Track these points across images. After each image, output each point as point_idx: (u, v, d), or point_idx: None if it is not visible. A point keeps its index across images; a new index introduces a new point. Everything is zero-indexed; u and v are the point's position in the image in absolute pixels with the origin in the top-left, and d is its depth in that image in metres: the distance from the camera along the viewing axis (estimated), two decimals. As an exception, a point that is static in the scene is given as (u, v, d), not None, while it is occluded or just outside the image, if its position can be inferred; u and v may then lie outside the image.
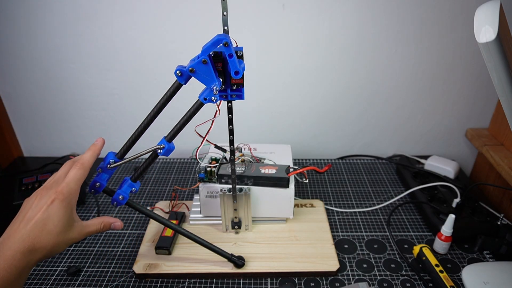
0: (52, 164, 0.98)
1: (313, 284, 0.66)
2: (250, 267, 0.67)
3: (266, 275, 0.67)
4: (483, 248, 0.72)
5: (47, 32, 0.90)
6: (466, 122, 1.03)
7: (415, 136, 1.06)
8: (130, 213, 0.83)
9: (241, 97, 0.58)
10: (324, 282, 0.66)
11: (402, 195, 0.87)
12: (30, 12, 0.88)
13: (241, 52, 0.55)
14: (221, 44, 0.50)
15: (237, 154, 0.78)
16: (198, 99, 0.53)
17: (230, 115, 0.61)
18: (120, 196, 0.57)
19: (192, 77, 0.52)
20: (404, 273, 0.68)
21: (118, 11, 0.87)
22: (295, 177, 0.77)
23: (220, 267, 0.67)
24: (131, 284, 0.66)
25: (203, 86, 0.53)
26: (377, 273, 0.68)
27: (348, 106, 1.00)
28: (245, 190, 0.71)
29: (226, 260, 0.67)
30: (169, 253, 0.70)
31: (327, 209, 0.84)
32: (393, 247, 0.74)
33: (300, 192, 0.90)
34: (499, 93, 0.47)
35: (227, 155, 0.77)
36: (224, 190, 0.71)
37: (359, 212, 0.84)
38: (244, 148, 0.82)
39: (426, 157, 0.96)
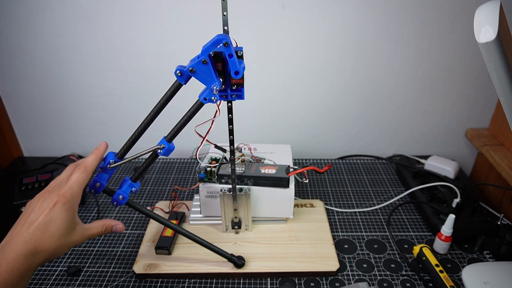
0: (52, 164, 0.98)
1: (313, 284, 0.66)
2: (250, 267, 0.67)
3: (266, 275, 0.67)
4: (483, 248, 0.72)
5: (47, 32, 0.90)
6: (466, 122, 1.03)
7: (415, 136, 1.06)
8: (130, 213, 0.83)
9: (241, 97, 0.58)
10: (324, 282, 0.66)
11: (402, 195, 0.87)
12: (30, 12, 0.88)
13: (241, 52, 0.55)
14: (221, 44, 0.50)
15: (237, 154, 0.78)
16: (198, 99, 0.53)
17: (230, 115, 0.61)
18: (120, 196, 0.57)
19: (192, 77, 0.52)
20: (404, 273, 0.68)
21: (118, 11, 0.87)
22: (295, 177, 0.77)
23: (220, 267, 0.67)
24: (131, 284, 0.66)
25: (203, 86, 0.53)
26: (377, 273, 0.68)
27: (348, 106, 1.00)
28: (245, 190, 0.71)
29: (226, 260, 0.67)
30: (169, 253, 0.70)
31: (327, 209, 0.84)
32: (393, 247, 0.74)
33: (300, 192, 0.90)
34: (499, 93, 0.47)
35: (227, 155, 0.77)
36: (224, 190, 0.71)
37: (359, 212, 0.84)
38: (244, 148, 0.82)
39: (426, 157, 0.96)
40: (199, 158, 0.74)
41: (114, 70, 0.95)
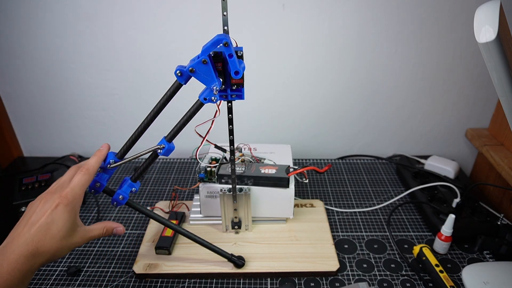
0: (52, 164, 0.98)
1: (313, 284, 0.66)
2: (250, 267, 0.67)
3: (266, 275, 0.67)
4: (483, 248, 0.72)
5: (47, 32, 0.90)
6: (466, 122, 1.03)
7: (415, 136, 1.06)
8: (130, 213, 0.83)
9: (241, 97, 0.58)
10: (324, 282, 0.66)
11: (402, 195, 0.87)
12: (30, 12, 0.88)
13: (241, 52, 0.55)
14: (221, 44, 0.50)
15: (237, 154, 0.78)
16: (198, 99, 0.53)
17: (230, 115, 0.61)
18: (120, 196, 0.57)
19: (192, 77, 0.52)
20: (404, 273, 0.68)
21: (118, 11, 0.87)
22: (295, 177, 0.77)
23: (220, 267, 0.67)
24: (131, 284, 0.66)
25: (203, 86, 0.53)
26: (377, 273, 0.68)
27: (348, 106, 1.00)
28: (245, 190, 0.71)
29: (226, 260, 0.67)
30: (169, 253, 0.70)
31: (327, 209, 0.84)
32: (393, 247, 0.74)
33: (300, 192, 0.90)
34: (499, 93, 0.47)
35: (227, 155, 0.77)
36: (224, 190, 0.71)
37: (359, 212, 0.84)
38: (244, 148, 0.82)
39: (426, 157, 0.96)
40: (199, 158, 0.74)
41: (114, 70, 0.95)
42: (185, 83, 0.53)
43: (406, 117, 1.02)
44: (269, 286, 0.65)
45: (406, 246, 0.74)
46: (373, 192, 0.91)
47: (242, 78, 0.55)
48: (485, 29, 0.41)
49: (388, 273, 0.68)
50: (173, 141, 0.56)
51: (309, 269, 0.67)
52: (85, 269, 0.69)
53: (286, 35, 0.90)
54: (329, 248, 0.71)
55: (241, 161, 0.77)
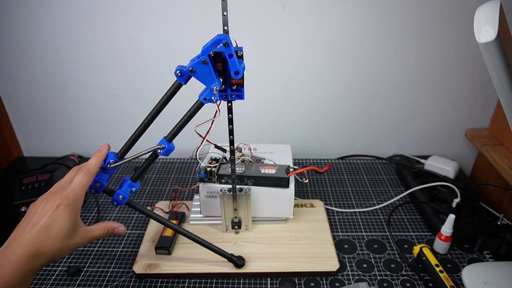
0: (52, 164, 0.98)
1: (313, 284, 0.66)
2: (250, 267, 0.67)
3: (266, 275, 0.67)
4: (483, 248, 0.72)
5: (47, 32, 0.90)
6: (466, 122, 1.03)
7: (415, 136, 1.06)
8: (130, 213, 0.83)
9: (241, 97, 0.58)
10: (324, 282, 0.66)
11: (402, 195, 0.87)
12: (30, 12, 0.88)
13: (241, 52, 0.55)
14: (221, 44, 0.50)
15: (237, 154, 0.78)
16: (198, 99, 0.53)
17: (230, 115, 0.61)
18: (120, 196, 0.57)
19: (192, 77, 0.52)
20: (404, 273, 0.68)
21: (118, 11, 0.87)
22: (295, 177, 0.77)
23: (220, 267, 0.67)
24: (131, 284, 0.66)
25: (203, 86, 0.53)
26: (377, 273, 0.68)
27: (348, 106, 1.00)
28: (245, 190, 0.71)
29: (226, 260, 0.67)
30: (169, 253, 0.70)
31: (327, 209, 0.84)
32: (393, 247, 0.74)
33: (300, 192, 0.90)
34: (499, 93, 0.47)
35: (227, 155, 0.77)
36: (224, 190, 0.71)
37: (359, 212, 0.84)
38: (244, 148, 0.82)
39: (426, 157, 0.96)
40: (199, 158, 0.74)
41: (114, 70, 0.95)
42: (185, 83, 0.53)
43: (406, 117, 1.02)
44: (269, 286, 0.65)
45: (406, 246, 0.74)
46: (373, 192, 0.91)
47: (242, 78, 0.55)
48: (485, 29, 0.41)
49: (388, 273, 0.68)
50: (173, 141, 0.56)
51: (309, 269, 0.67)
52: (85, 269, 0.69)
53: (286, 35, 0.90)
54: (329, 248, 0.71)
55: (241, 161, 0.77)
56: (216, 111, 0.57)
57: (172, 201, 0.84)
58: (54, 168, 0.95)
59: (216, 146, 0.75)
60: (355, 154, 1.08)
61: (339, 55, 0.93)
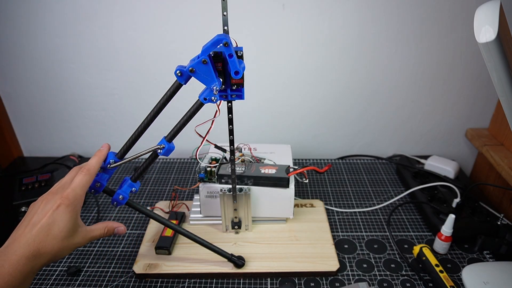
0: (52, 164, 0.98)
1: (313, 284, 0.66)
2: (250, 267, 0.67)
3: (266, 275, 0.67)
4: (483, 248, 0.72)
5: (47, 32, 0.90)
6: (466, 122, 1.03)
7: (415, 136, 1.06)
8: (130, 213, 0.83)
9: (241, 97, 0.58)
10: (324, 282, 0.66)
11: (402, 195, 0.87)
12: (30, 12, 0.88)
13: (241, 52, 0.55)
14: (221, 44, 0.50)
15: (237, 154, 0.78)
16: (198, 99, 0.53)
17: (230, 115, 0.61)
18: (120, 196, 0.57)
19: (192, 77, 0.52)
20: (404, 273, 0.68)
21: (118, 11, 0.87)
22: (295, 177, 0.77)
23: (220, 267, 0.67)
24: (131, 284, 0.66)
25: (203, 86, 0.53)
26: (377, 273, 0.68)
27: (348, 106, 1.00)
28: (245, 190, 0.71)
29: (226, 260, 0.67)
30: (169, 253, 0.70)
31: (327, 209, 0.84)
32: (393, 247, 0.74)
33: (300, 192, 0.90)
34: (499, 93, 0.47)
35: (227, 155, 0.77)
36: (224, 190, 0.71)
37: (359, 212, 0.84)
38: (244, 148, 0.82)
39: (426, 157, 0.96)
40: (199, 158, 0.74)
41: (114, 70, 0.95)
42: (185, 83, 0.53)
43: (406, 117, 1.02)
44: (269, 286, 0.65)
45: (406, 246, 0.74)
46: (373, 192, 0.91)
47: (242, 78, 0.55)
48: (485, 29, 0.41)
49: (388, 273, 0.68)
50: (173, 141, 0.56)
51: (309, 269, 0.67)
52: (85, 269, 0.69)
53: (286, 35, 0.90)
54: (329, 248, 0.71)
55: (241, 161, 0.77)
56: (216, 111, 0.57)
57: (172, 201, 0.84)
58: (54, 168, 0.95)
59: (216, 146, 0.75)
60: (355, 154, 1.08)
61: (339, 55, 0.93)
